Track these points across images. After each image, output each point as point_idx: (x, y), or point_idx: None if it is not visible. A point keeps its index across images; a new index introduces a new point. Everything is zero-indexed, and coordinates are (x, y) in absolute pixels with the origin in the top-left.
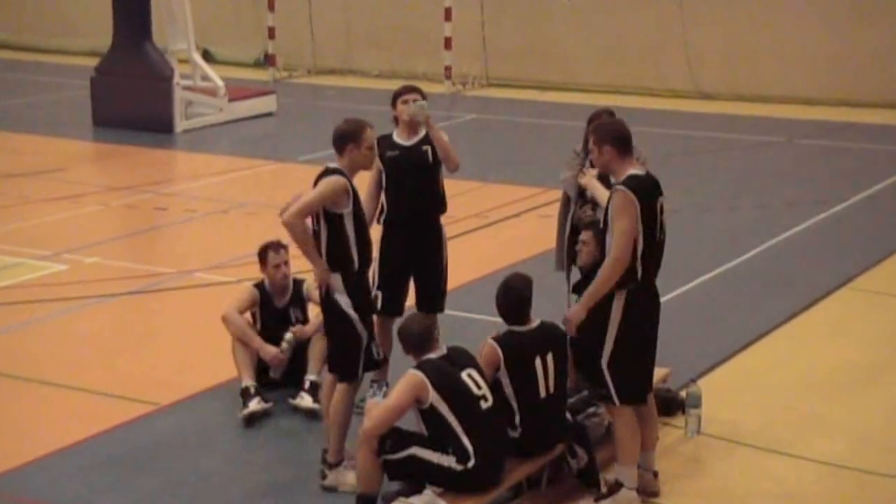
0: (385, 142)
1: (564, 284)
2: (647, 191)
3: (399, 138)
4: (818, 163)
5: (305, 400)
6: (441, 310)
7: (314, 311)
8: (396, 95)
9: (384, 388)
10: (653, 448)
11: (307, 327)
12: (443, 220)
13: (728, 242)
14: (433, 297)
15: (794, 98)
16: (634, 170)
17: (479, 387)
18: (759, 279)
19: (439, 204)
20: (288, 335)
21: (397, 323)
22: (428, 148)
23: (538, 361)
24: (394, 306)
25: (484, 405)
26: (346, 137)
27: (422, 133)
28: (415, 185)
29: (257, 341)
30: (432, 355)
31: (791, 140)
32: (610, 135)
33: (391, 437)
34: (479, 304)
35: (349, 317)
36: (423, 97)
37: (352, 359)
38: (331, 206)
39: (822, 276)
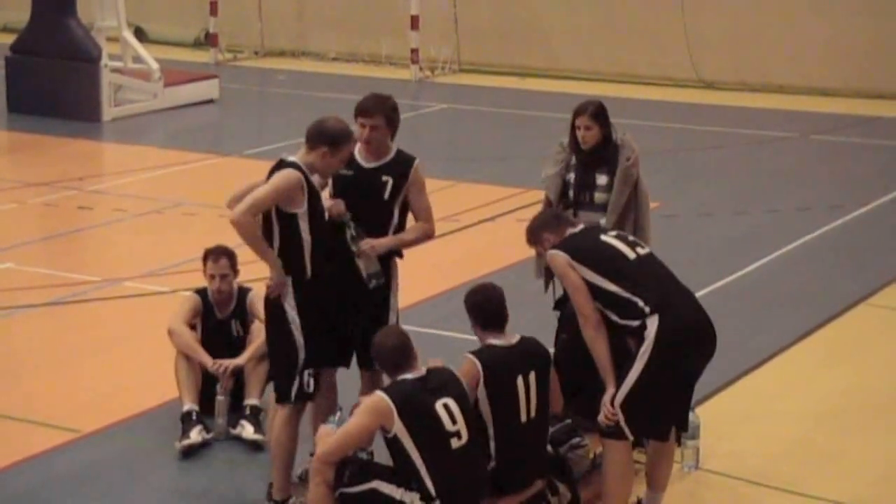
0: None
1: (543, 296)
2: (581, 248)
3: (359, 155)
4: (835, 162)
5: (247, 430)
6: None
7: (258, 327)
8: (356, 112)
9: (339, 414)
10: (662, 489)
11: (232, 360)
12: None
13: (732, 252)
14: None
15: (808, 88)
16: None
17: (454, 421)
18: (766, 294)
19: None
20: (218, 391)
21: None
22: (389, 179)
23: (520, 381)
24: None
25: (456, 443)
26: (327, 139)
27: (389, 156)
28: (364, 214)
29: (204, 357)
30: (409, 376)
31: (805, 136)
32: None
33: (351, 467)
34: (446, 319)
35: (290, 331)
36: (387, 118)
37: (286, 378)
38: (284, 203)
39: (838, 290)
